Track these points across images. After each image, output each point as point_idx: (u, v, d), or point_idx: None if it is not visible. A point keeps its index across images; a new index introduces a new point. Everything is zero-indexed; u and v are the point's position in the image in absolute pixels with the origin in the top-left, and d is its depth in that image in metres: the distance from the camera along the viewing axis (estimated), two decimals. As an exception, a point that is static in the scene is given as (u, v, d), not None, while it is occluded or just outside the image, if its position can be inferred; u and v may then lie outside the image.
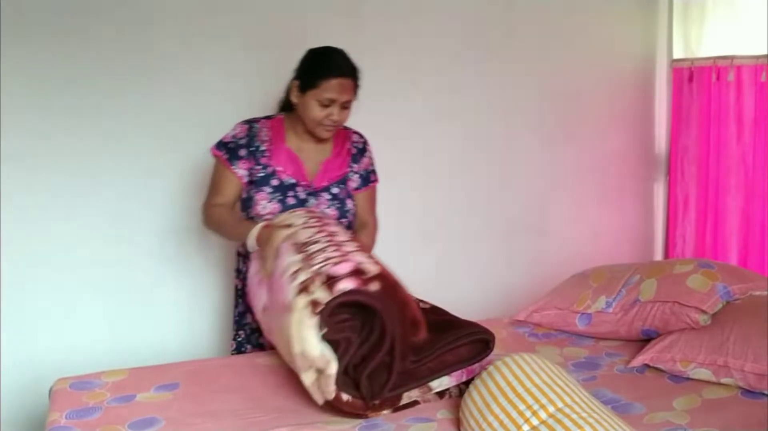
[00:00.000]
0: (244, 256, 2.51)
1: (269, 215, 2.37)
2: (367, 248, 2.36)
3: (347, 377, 1.97)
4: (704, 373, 2.23)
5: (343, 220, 2.46)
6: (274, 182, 2.40)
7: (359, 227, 2.54)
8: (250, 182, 2.41)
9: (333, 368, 1.91)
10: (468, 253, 3.56)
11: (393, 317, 1.94)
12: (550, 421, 1.73)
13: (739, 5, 3.39)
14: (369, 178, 2.55)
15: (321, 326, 1.90)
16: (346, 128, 2.52)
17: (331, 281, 1.91)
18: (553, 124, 3.66)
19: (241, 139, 2.41)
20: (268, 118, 2.47)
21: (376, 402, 1.98)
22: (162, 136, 2.99)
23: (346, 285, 1.91)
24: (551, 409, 1.77)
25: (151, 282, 3.04)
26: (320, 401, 1.98)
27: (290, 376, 2.28)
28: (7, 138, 2.78)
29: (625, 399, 2.13)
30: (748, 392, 2.16)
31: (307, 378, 1.97)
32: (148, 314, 3.05)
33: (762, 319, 2.26)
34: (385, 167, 2.66)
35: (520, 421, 1.77)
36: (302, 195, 2.42)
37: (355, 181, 2.52)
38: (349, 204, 2.49)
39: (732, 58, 3.40)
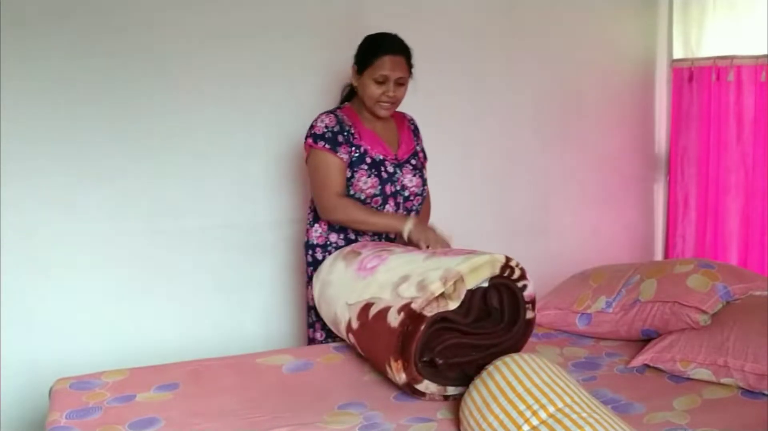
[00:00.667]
0: (317, 248, 2.66)
1: (371, 189, 2.58)
2: (427, 213, 2.81)
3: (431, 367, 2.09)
4: (704, 373, 2.23)
5: (425, 187, 2.73)
6: (368, 160, 2.59)
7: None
8: (349, 164, 2.58)
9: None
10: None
11: None
12: (550, 421, 1.73)
13: (739, 5, 3.40)
14: (425, 154, 2.80)
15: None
16: (398, 111, 2.71)
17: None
18: (553, 124, 3.66)
19: (333, 127, 2.57)
20: (339, 108, 2.67)
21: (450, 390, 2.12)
22: (163, 135, 2.99)
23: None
24: (551, 409, 1.77)
25: (151, 282, 3.04)
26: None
27: (290, 376, 2.28)
28: (8, 137, 2.77)
29: (625, 399, 2.13)
30: (748, 392, 2.16)
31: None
32: (148, 314, 3.05)
33: (762, 319, 2.26)
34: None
35: (520, 421, 1.77)
36: (391, 168, 2.63)
37: (420, 152, 2.77)
38: (425, 173, 2.74)
39: (732, 58, 3.40)
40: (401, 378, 2.06)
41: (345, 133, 2.58)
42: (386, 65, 2.52)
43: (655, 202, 3.93)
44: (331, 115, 2.60)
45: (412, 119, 2.79)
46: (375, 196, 2.58)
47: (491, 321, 2.16)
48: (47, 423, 2.02)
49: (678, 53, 3.69)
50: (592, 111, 3.74)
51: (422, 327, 2.02)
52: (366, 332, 2.20)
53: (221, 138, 3.07)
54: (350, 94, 2.70)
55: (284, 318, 3.25)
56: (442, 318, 2.07)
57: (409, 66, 2.59)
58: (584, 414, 1.74)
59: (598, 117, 3.76)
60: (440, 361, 2.07)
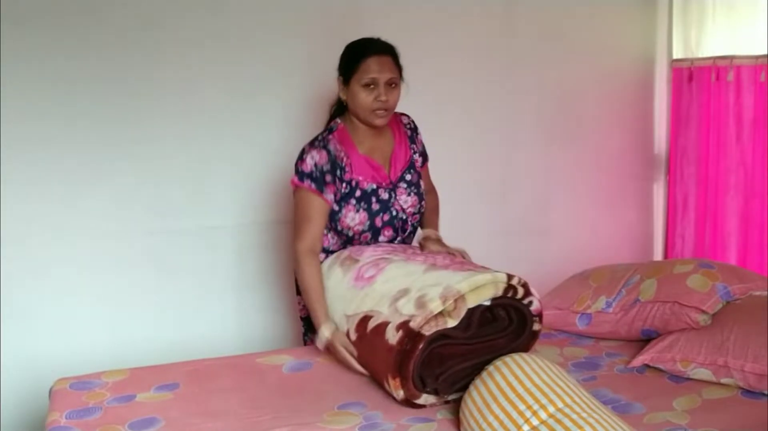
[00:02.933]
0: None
1: (358, 226, 2.44)
2: (438, 210, 2.68)
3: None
4: (704, 373, 2.24)
5: (422, 203, 2.57)
6: (358, 193, 2.43)
7: (426, 194, 2.64)
8: (338, 199, 2.43)
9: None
10: (468, 252, 3.55)
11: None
12: (550, 421, 1.74)
13: (738, 6, 3.39)
14: (425, 154, 2.67)
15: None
16: (394, 113, 2.54)
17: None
18: (552, 123, 3.66)
19: (323, 165, 2.38)
20: (330, 131, 2.46)
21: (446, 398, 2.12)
22: (162, 135, 2.99)
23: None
24: (551, 409, 1.77)
25: (152, 282, 3.04)
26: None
27: (290, 376, 2.28)
28: (8, 135, 2.77)
29: (625, 399, 2.13)
30: (748, 392, 2.16)
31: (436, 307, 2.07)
32: (148, 314, 3.05)
33: (762, 319, 2.27)
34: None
35: (520, 421, 1.77)
36: (385, 195, 2.47)
37: (418, 160, 2.61)
38: (422, 186, 2.59)
39: (731, 58, 3.40)
40: (399, 394, 2.07)
41: (336, 171, 2.39)
42: (372, 66, 2.35)
43: (655, 201, 3.93)
44: (322, 151, 2.38)
45: (409, 122, 2.61)
46: (363, 232, 2.45)
47: (495, 327, 2.16)
48: (47, 423, 2.02)
49: (678, 53, 3.68)
50: (592, 111, 3.74)
51: (421, 346, 2.02)
52: (364, 345, 2.20)
53: (220, 138, 3.07)
54: (338, 111, 2.52)
55: (284, 318, 3.25)
56: (443, 335, 2.07)
57: (398, 67, 2.43)
58: (584, 415, 1.74)
59: (598, 117, 3.76)
60: (441, 380, 2.08)
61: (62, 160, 2.87)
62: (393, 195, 2.49)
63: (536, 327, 2.22)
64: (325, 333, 2.30)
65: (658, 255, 3.92)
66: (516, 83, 3.55)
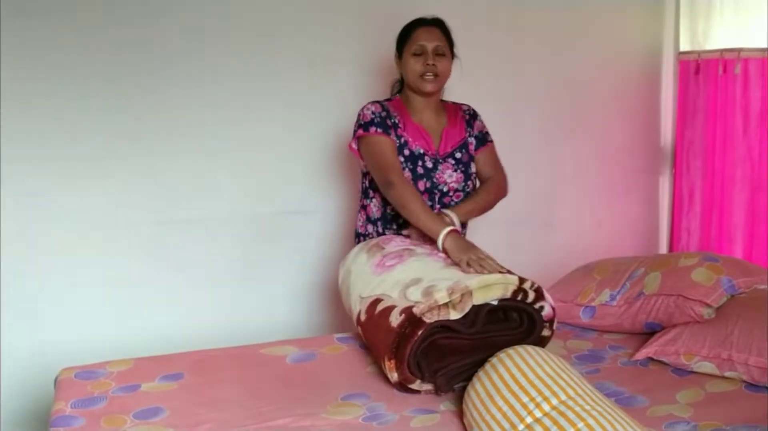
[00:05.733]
0: (360, 236, 2.68)
1: None
2: (487, 203, 2.67)
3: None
4: (708, 367, 2.23)
5: (469, 182, 2.66)
6: (406, 152, 2.57)
7: (483, 182, 2.72)
8: None
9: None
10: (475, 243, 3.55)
11: None
12: (553, 413, 1.74)
13: (746, -2, 3.38)
14: (485, 139, 2.73)
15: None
16: (454, 103, 2.74)
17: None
18: (559, 116, 3.65)
19: (380, 113, 2.56)
20: (388, 100, 2.66)
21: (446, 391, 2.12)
22: (168, 126, 2.99)
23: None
24: (554, 401, 1.77)
25: (157, 273, 3.05)
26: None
27: (294, 367, 2.29)
28: (11, 126, 2.78)
29: (628, 392, 2.13)
30: (752, 386, 2.16)
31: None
32: (152, 304, 3.05)
33: (766, 313, 2.26)
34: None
35: (524, 413, 1.77)
36: (429, 164, 2.59)
37: (473, 143, 2.69)
38: (472, 167, 2.67)
39: (739, 50, 3.38)
40: (393, 376, 2.08)
41: (390, 121, 2.56)
42: (421, 35, 2.55)
43: (661, 194, 3.92)
44: (377, 103, 2.60)
45: (467, 109, 2.75)
46: None
47: (501, 326, 2.15)
48: (52, 412, 2.03)
49: (685, 46, 3.67)
50: (598, 103, 3.73)
51: (420, 332, 2.04)
52: (370, 326, 2.22)
53: (227, 129, 3.07)
54: (399, 88, 2.71)
55: (289, 309, 3.26)
56: (445, 327, 2.07)
57: (449, 40, 2.60)
58: (587, 407, 1.74)
59: (604, 109, 3.74)
60: (439, 376, 2.08)
61: (67, 149, 2.87)
62: (437, 166, 2.60)
63: (546, 333, 2.21)
64: (442, 234, 2.36)
65: (663, 248, 3.92)
66: (522, 75, 3.54)
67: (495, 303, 2.13)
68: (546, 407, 1.76)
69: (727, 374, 2.20)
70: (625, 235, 3.85)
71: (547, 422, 1.72)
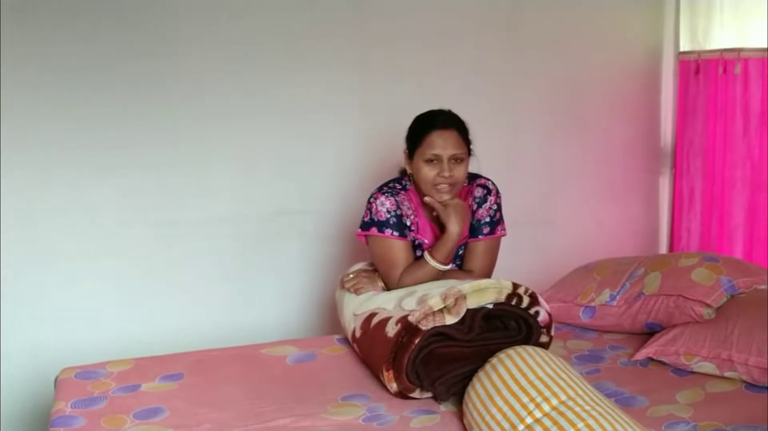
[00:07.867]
0: None
1: None
2: (457, 276, 2.37)
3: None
4: (708, 367, 2.24)
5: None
6: (419, 252, 2.42)
7: (464, 268, 2.48)
8: None
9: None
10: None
11: None
12: (553, 414, 1.74)
13: (746, -3, 3.37)
14: (481, 230, 2.44)
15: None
16: (470, 182, 2.46)
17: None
18: (558, 115, 3.64)
19: (395, 211, 2.37)
20: (403, 188, 2.43)
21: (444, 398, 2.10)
22: (169, 125, 2.99)
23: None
24: (554, 402, 1.77)
25: (157, 272, 3.04)
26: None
27: (294, 367, 2.29)
28: (11, 125, 2.77)
29: (628, 392, 2.13)
30: (752, 386, 2.16)
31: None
32: (152, 304, 3.05)
33: (766, 313, 2.26)
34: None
35: (524, 413, 1.77)
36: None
37: (469, 233, 2.46)
38: (488, 244, 2.46)
39: (739, 50, 3.38)
40: (392, 387, 2.08)
41: (406, 220, 2.39)
42: (436, 143, 2.29)
43: (661, 194, 3.92)
44: (390, 197, 2.37)
45: (479, 195, 2.45)
46: None
47: (499, 334, 2.15)
48: (52, 412, 2.03)
49: (685, 46, 3.66)
50: (598, 103, 3.72)
51: (417, 340, 2.04)
52: (366, 340, 2.23)
53: (227, 129, 3.07)
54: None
55: (289, 309, 3.25)
56: (443, 335, 2.07)
57: (466, 141, 2.36)
58: (587, 407, 1.74)
59: (604, 109, 3.74)
60: (438, 385, 2.08)
61: (66, 147, 2.86)
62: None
63: (543, 339, 2.20)
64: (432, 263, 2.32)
65: (663, 248, 3.92)
66: (522, 75, 3.53)
67: (490, 306, 2.13)
68: (546, 407, 1.76)
69: (727, 374, 2.20)
70: (625, 235, 3.85)
71: (547, 422, 1.72)
